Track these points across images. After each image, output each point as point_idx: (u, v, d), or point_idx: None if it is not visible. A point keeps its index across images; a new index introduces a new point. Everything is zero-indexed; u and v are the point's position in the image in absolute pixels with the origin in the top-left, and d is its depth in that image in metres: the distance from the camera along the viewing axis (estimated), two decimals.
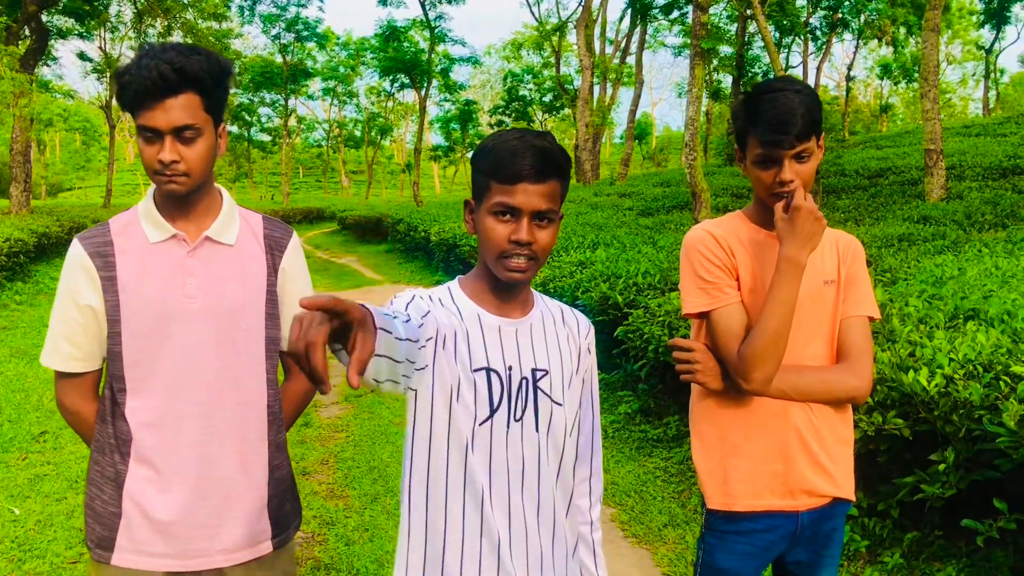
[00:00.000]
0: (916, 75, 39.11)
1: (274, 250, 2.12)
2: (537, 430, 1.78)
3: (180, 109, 1.88)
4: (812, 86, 2.26)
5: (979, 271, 6.69)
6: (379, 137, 59.31)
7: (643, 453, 5.89)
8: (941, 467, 3.55)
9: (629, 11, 32.08)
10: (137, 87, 1.85)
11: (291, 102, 51.83)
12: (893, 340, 4.21)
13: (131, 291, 1.95)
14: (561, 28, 35.99)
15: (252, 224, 2.13)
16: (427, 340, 1.63)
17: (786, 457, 2.12)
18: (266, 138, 56.56)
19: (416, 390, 1.71)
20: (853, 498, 2.21)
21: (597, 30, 33.20)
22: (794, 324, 2.06)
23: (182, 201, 2.00)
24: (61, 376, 2.06)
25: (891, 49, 36.86)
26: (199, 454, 2.01)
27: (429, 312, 1.66)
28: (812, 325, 2.13)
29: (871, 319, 2.19)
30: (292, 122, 58.80)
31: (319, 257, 22.68)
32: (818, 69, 36.98)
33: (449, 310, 1.76)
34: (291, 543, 2.22)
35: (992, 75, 44.59)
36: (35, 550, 4.38)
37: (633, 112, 32.64)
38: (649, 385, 6.74)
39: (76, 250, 1.98)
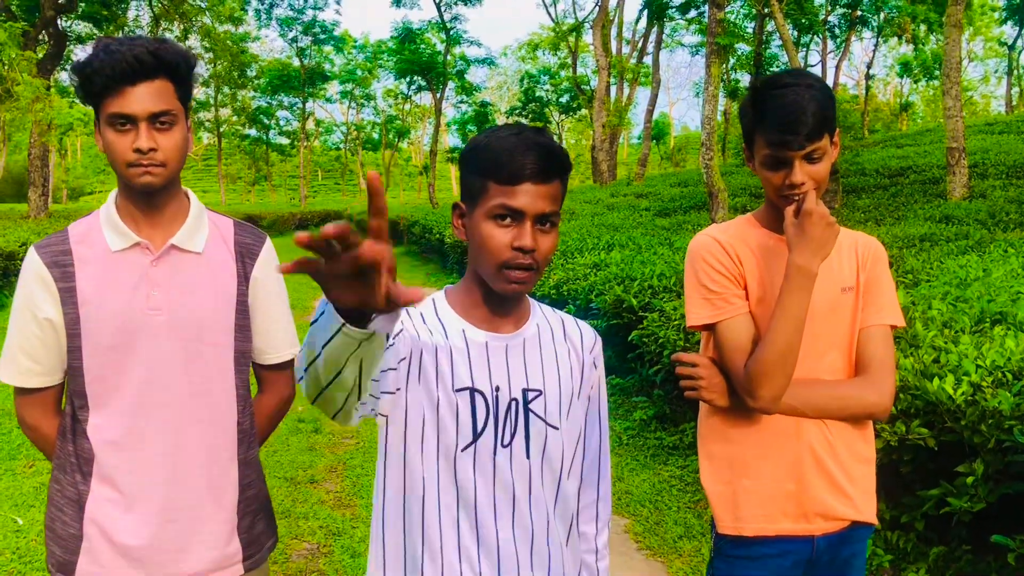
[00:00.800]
0: (937, 73, 38.66)
1: (245, 257, 1.99)
2: (528, 456, 1.61)
3: (156, 94, 1.78)
4: (824, 80, 2.08)
5: (1005, 272, 6.50)
6: (396, 139, 59.36)
7: (658, 461, 5.75)
8: (969, 480, 3.39)
9: (646, 11, 31.86)
10: (110, 71, 1.74)
11: (309, 105, 51.99)
12: (916, 345, 4.06)
13: (91, 304, 1.84)
14: (577, 28, 35.83)
15: (222, 230, 2.00)
16: (399, 361, 1.49)
17: (800, 478, 1.97)
18: (284, 141, 56.74)
19: (387, 416, 1.57)
20: (875, 521, 2.05)
21: (614, 30, 33.01)
22: (809, 335, 1.91)
23: (148, 204, 1.88)
24: (21, 392, 1.95)
25: (911, 47, 36.50)
26: (165, 474, 1.89)
27: (402, 330, 1.51)
28: (828, 335, 1.98)
29: (894, 327, 2.04)
30: (310, 125, 59.09)
31: None
32: (837, 68, 36.66)
33: (431, 326, 1.60)
34: (265, 565, 2.11)
35: (1015, 72, 44.05)
36: (36, 562, 4.29)
37: (650, 112, 32.42)
38: (665, 391, 6.60)
39: (32, 260, 1.87)
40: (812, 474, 1.97)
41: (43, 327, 1.86)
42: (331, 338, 1.15)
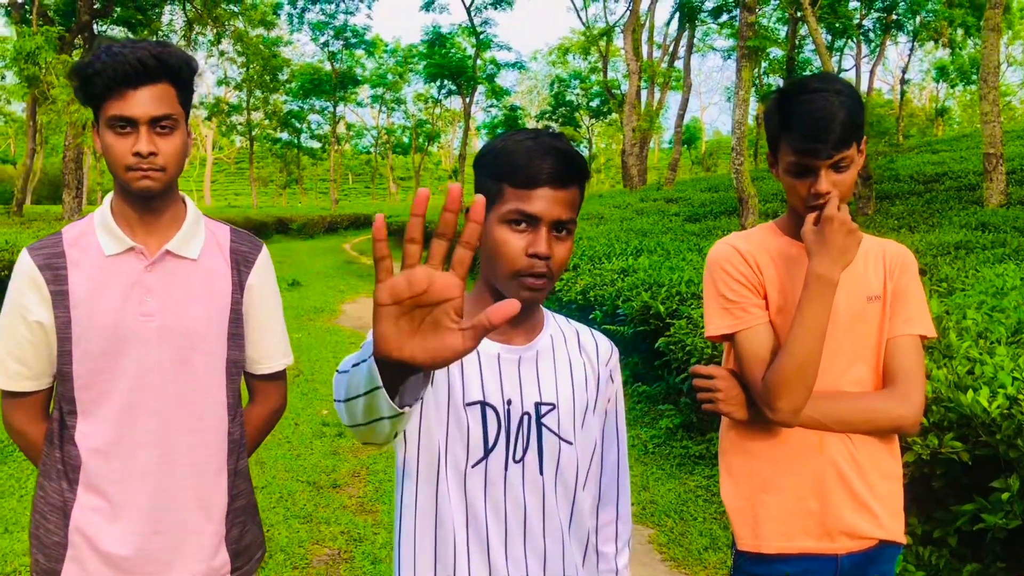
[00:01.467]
0: (974, 77, 38.06)
1: (241, 265, 1.96)
2: (541, 473, 1.55)
3: (158, 98, 1.76)
4: (854, 86, 2.00)
5: None
6: (426, 143, 59.65)
7: (684, 470, 5.66)
8: (1004, 496, 3.28)
9: (677, 15, 31.73)
10: (112, 73, 1.72)
11: (340, 109, 52.45)
12: (950, 356, 3.95)
13: (83, 308, 1.81)
14: (608, 32, 35.76)
15: (218, 237, 1.97)
16: None
17: (822, 494, 1.90)
18: (316, 145, 57.18)
19: (404, 431, 1.52)
20: (902, 540, 1.97)
21: (645, 34, 32.91)
22: (834, 346, 1.84)
23: (145, 209, 1.85)
24: (8, 395, 1.91)
25: (948, 51, 36.00)
26: (153, 484, 1.85)
27: None
28: (854, 346, 1.91)
29: (924, 338, 1.96)
30: (341, 129, 59.50)
31: (364, 263, 22.79)
32: (871, 72, 36.25)
33: None
34: None
35: None
36: None
37: (681, 116, 32.26)
38: (691, 399, 6.51)
39: (24, 262, 1.84)
40: (835, 491, 1.90)
41: (33, 330, 1.83)
42: (367, 392, 1.12)
